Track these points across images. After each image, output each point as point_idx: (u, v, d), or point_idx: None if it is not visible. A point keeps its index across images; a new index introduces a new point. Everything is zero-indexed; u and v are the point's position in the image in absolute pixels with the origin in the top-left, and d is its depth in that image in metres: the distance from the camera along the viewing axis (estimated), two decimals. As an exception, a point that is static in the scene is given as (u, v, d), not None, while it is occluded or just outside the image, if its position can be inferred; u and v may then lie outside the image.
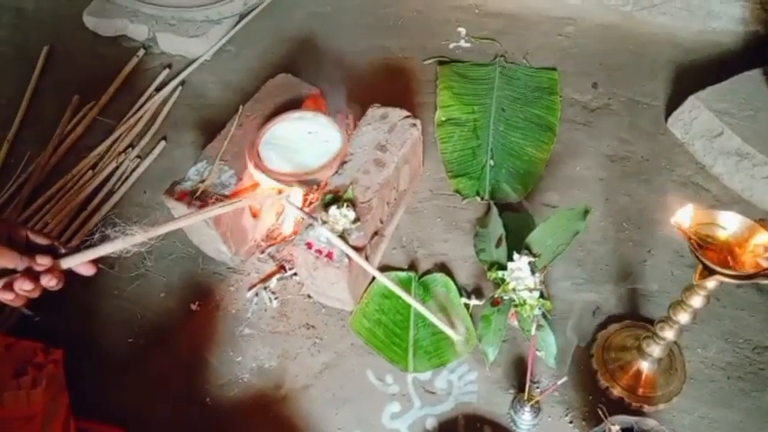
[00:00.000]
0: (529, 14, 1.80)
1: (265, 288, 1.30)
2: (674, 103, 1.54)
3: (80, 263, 0.85)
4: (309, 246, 1.13)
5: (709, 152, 1.44)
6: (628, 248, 1.34)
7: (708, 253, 0.85)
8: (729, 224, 0.85)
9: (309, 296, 1.29)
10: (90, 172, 1.49)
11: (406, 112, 1.32)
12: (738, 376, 1.16)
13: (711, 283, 0.86)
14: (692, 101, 1.46)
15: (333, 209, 1.13)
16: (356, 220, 1.14)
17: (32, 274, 0.77)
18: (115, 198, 1.45)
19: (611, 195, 1.43)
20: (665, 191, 1.43)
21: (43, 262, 0.78)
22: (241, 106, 1.33)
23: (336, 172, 1.22)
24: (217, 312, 1.29)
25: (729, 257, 0.84)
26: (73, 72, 1.74)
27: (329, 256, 1.12)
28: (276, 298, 1.29)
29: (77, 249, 0.89)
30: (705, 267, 0.82)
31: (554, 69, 1.66)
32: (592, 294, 1.28)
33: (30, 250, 0.78)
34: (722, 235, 0.85)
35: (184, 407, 1.18)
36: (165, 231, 0.91)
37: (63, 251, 0.83)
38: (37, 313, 1.10)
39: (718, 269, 0.81)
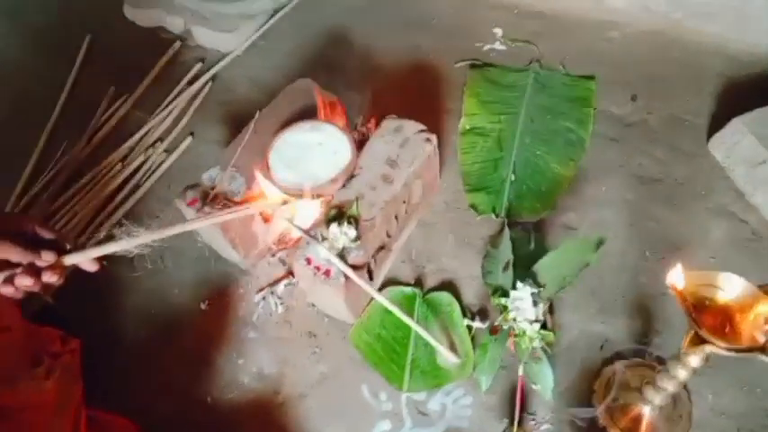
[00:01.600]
0: (570, 17, 1.70)
1: (272, 293, 1.33)
2: (718, 123, 1.43)
3: (83, 260, 0.89)
4: (308, 261, 1.13)
5: (750, 180, 1.34)
6: (647, 280, 1.28)
7: (704, 316, 0.79)
8: (730, 287, 0.79)
9: (313, 305, 1.30)
10: (119, 165, 1.55)
11: (420, 126, 1.28)
12: (750, 429, 1.10)
13: (696, 359, 0.81)
14: (735, 124, 1.35)
15: (333, 226, 1.12)
16: (357, 238, 1.13)
17: (34, 269, 0.79)
18: (141, 192, 1.50)
19: (636, 220, 1.36)
20: (697, 219, 1.34)
21: (47, 258, 0.80)
22: (258, 111, 1.34)
23: (343, 185, 1.21)
24: (225, 314, 1.33)
25: (728, 324, 0.79)
26: (112, 61, 1.79)
27: (327, 273, 1.12)
28: (282, 303, 1.32)
29: (83, 246, 0.93)
30: (697, 335, 0.77)
31: (592, 78, 1.57)
32: (602, 326, 1.24)
33: (35, 244, 0.80)
34: (721, 298, 0.80)
35: (186, 403, 1.22)
36: (169, 234, 0.94)
37: (68, 247, 0.85)
38: (58, 303, 1.17)
39: (711, 339, 0.75)
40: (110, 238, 0.91)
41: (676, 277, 0.79)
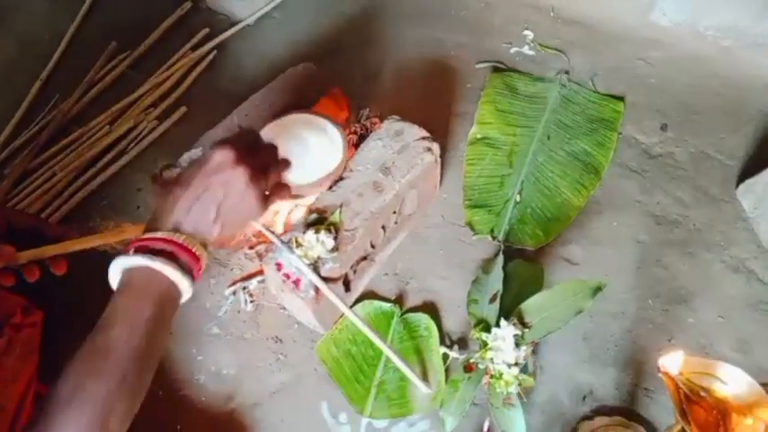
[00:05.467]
0: (610, 28, 1.56)
1: (244, 288, 1.25)
2: (752, 168, 1.31)
3: (41, 257, 0.87)
4: (279, 267, 1.05)
5: (777, 238, 1.22)
6: (646, 331, 1.17)
7: (697, 409, 0.69)
8: (733, 382, 0.69)
9: (285, 308, 1.22)
10: (107, 127, 1.47)
11: (423, 133, 1.18)
12: None
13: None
14: (769, 174, 1.22)
15: (309, 233, 1.03)
16: (334, 249, 1.04)
17: None
18: (124, 159, 1.42)
19: (644, 264, 1.24)
20: (710, 272, 1.23)
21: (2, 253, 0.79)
22: (252, 94, 1.25)
23: (330, 188, 1.12)
24: (191, 303, 1.24)
25: (721, 421, 0.69)
26: (119, 16, 1.70)
27: (296, 283, 1.03)
28: (252, 301, 1.24)
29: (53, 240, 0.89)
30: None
31: (621, 100, 1.44)
32: (588, 375, 1.14)
33: (12, 235, 0.81)
34: (720, 391, 0.69)
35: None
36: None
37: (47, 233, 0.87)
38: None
39: (698, 441, 0.65)
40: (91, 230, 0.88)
41: (671, 362, 0.69)
